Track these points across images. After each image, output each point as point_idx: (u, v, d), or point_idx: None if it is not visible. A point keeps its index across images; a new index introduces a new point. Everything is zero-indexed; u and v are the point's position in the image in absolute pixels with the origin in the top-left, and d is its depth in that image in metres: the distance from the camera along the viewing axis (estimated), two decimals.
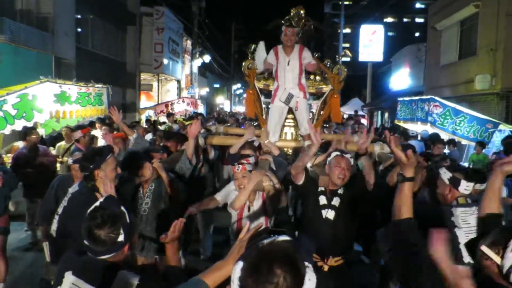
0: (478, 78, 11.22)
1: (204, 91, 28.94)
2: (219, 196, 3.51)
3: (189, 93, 22.30)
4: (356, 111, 18.52)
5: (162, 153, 3.79)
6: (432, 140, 7.53)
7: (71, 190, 2.73)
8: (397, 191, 1.93)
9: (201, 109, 22.87)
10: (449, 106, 9.41)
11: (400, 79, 21.20)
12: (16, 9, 10.45)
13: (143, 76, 19.57)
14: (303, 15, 4.92)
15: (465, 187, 2.50)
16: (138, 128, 7.14)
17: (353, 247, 3.66)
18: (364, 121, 19.27)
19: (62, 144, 6.39)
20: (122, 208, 1.72)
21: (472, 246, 1.74)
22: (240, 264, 1.07)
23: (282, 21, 4.68)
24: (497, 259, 1.48)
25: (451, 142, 8.33)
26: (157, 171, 3.30)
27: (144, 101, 19.77)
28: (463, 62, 13.18)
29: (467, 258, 1.83)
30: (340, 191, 3.00)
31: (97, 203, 1.72)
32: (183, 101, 16.58)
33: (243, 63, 5.30)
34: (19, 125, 5.91)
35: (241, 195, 3.08)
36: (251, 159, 3.29)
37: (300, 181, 3.00)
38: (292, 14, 4.90)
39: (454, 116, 9.28)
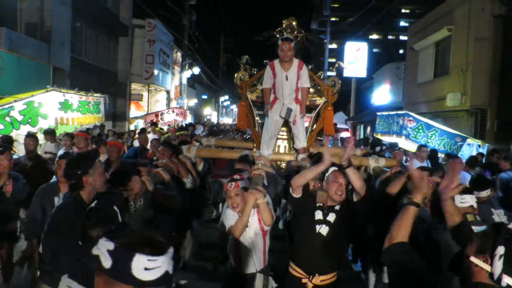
0: (449, 96, 12.11)
1: (193, 102, 29.46)
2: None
3: (178, 104, 22.79)
4: (335, 124, 19.19)
5: (150, 166, 3.80)
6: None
7: (56, 202, 2.53)
8: (401, 212, 1.92)
9: (189, 119, 23.36)
10: (422, 121, 10.21)
11: (381, 94, 22.17)
12: (15, 19, 10.92)
13: (133, 86, 20.03)
14: (295, 27, 4.80)
15: (460, 199, 2.51)
16: (141, 137, 7.51)
17: (344, 264, 3.57)
18: (348, 134, 20.07)
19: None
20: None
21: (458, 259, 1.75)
22: None
23: (275, 33, 4.67)
24: (487, 267, 1.50)
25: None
26: (145, 186, 3.19)
27: (134, 111, 20.18)
28: (438, 81, 14.09)
29: None
30: (337, 207, 2.93)
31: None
32: (173, 111, 17.11)
33: (236, 75, 5.14)
34: (24, 130, 6.38)
35: (241, 221, 2.92)
36: (245, 175, 3.14)
37: (298, 194, 2.95)
38: (284, 25, 4.80)
39: (426, 130, 10.08)
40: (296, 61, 4.42)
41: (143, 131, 10.94)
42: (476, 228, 2.17)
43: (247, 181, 3.13)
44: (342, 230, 2.88)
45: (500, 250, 1.45)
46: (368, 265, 4.38)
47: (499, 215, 3.00)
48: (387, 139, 11.54)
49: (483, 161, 8.37)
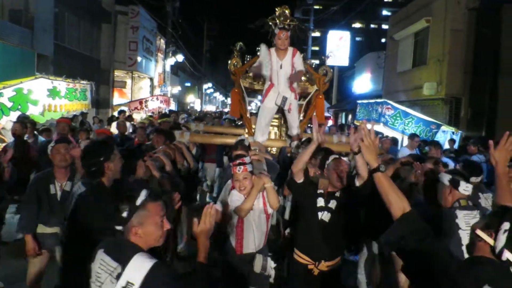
0: (426, 85, 12.61)
1: (176, 89, 29.39)
2: (219, 207, 3.22)
3: (161, 91, 22.76)
4: None
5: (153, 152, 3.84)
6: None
7: (76, 190, 2.52)
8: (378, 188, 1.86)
9: (173, 107, 23.39)
10: (400, 109, 10.68)
11: (362, 83, 22.67)
12: None
13: (117, 73, 19.91)
14: (288, 15, 4.75)
15: (465, 187, 2.55)
16: (119, 125, 7.68)
17: (345, 249, 3.64)
18: (330, 122, 20.56)
19: None
20: (142, 192, 1.77)
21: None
22: None
23: (267, 20, 4.67)
24: (490, 240, 1.57)
25: (393, 140, 8.88)
26: (149, 170, 3.26)
27: (117, 98, 20.08)
28: (416, 70, 14.58)
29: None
30: (337, 194, 3.00)
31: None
32: (157, 99, 17.14)
33: (229, 61, 5.07)
34: (14, 116, 6.49)
35: (247, 202, 2.97)
36: (247, 159, 3.16)
37: (301, 179, 3.00)
38: (277, 13, 4.76)
39: (404, 118, 10.56)
40: (290, 49, 4.50)
41: (128, 117, 11.04)
42: (468, 213, 2.35)
43: (251, 165, 3.17)
44: (343, 216, 2.93)
45: (506, 225, 1.53)
46: (360, 247, 4.43)
47: (486, 199, 3.15)
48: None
49: (455, 147, 8.91)
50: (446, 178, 2.63)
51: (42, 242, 3.30)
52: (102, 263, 1.70)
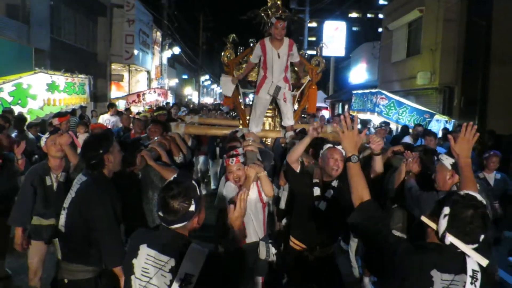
0: (419, 74, 12.78)
1: (173, 82, 29.45)
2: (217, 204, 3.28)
3: (158, 84, 22.85)
4: None
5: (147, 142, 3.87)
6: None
7: (77, 181, 2.51)
8: (349, 174, 1.98)
9: (170, 99, 23.50)
10: (394, 99, 10.87)
11: (358, 73, 22.81)
12: None
13: (113, 66, 19.97)
14: (280, 6, 4.73)
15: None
16: (123, 117, 7.80)
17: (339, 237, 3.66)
18: (326, 112, 20.72)
19: None
20: (193, 182, 1.80)
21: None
22: None
23: (259, 11, 4.66)
24: (433, 225, 1.64)
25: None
26: (145, 160, 3.28)
27: (114, 91, 20.16)
28: (410, 60, 14.73)
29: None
30: (334, 183, 3.01)
31: (171, 178, 1.80)
32: (154, 92, 17.26)
33: (222, 53, 5.09)
34: (15, 110, 6.65)
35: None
36: (240, 150, 3.20)
37: (297, 169, 3.08)
38: (269, 4, 4.73)
39: (398, 107, 10.75)
40: (286, 40, 4.48)
41: (127, 111, 11.16)
42: None
43: (244, 156, 3.20)
44: (339, 204, 2.93)
45: (446, 210, 1.59)
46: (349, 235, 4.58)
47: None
48: (362, 116, 12.22)
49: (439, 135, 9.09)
50: (448, 162, 2.65)
51: (39, 234, 3.34)
52: (149, 258, 1.69)
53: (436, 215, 1.63)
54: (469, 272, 1.57)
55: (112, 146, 2.53)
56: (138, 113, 12.25)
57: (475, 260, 1.57)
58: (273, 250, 3.07)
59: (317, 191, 3.01)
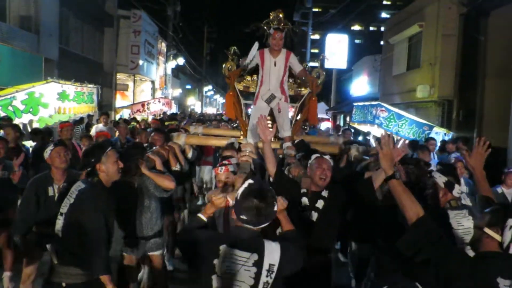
0: (419, 87, 13.03)
1: (177, 92, 29.82)
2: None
3: (163, 94, 23.19)
4: None
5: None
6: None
7: (76, 188, 2.57)
8: (394, 193, 2.02)
9: (174, 109, 23.82)
10: (393, 111, 11.07)
11: (360, 85, 23.09)
12: (4, 11, 11.17)
13: (119, 76, 20.33)
14: (282, 19, 4.82)
15: (458, 190, 2.64)
16: (120, 128, 7.78)
17: (333, 248, 3.69)
18: (329, 123, 20.97)
19: None
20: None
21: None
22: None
23: (262, 24, 4.77)
24: (497, 237, 1.72)
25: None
26: (139, 169, 3.32)
27: (119, 100, 20.51)
28: (410, 73, 15.00)
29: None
30: (324, 194, 2.95)
31: (246, 185, 1.96)
32: (159, 101, 17.56)
33: (223, 65, 5.15)
34: (26, 118, 6.91)
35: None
36: (233, 160, 3.25)
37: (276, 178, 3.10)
38: (271, 17, 4.82)
39: (397, 120, 10.95)
40: (284, 51, 4.61)
41: (132, 120, 11.40)
42: (459, 212, 2.48)
43: (235, 166, 3.25)
44: (331, 215, 2.92)
45: (510, 222, 1.71)
46: (348, 246, 4.64)
47: (464, 199, 3.25)
48: (362, 127, 12.45)
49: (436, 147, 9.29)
50: (441, 180, 2.69)
51: (38, 242, 3.36)
52: (230, 257, 1.86)
53: (498, 226, 1.74)
54: None
55: (104, 156, 2.59)
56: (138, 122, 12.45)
57: None
58: None
59: (305, 201, 2.99)
